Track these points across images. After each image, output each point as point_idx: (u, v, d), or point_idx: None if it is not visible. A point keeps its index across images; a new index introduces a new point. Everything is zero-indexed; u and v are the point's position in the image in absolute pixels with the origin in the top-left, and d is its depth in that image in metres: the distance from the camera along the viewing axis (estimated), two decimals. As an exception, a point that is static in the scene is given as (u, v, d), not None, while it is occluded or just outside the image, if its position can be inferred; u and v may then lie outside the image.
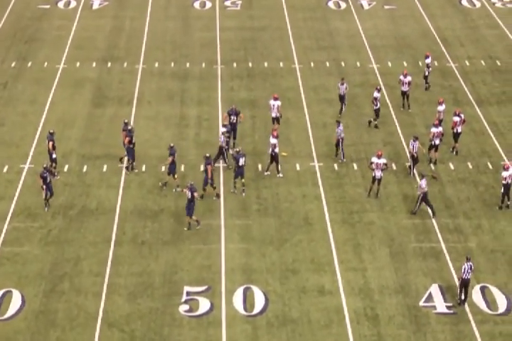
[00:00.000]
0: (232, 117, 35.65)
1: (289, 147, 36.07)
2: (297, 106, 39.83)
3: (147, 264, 29.04)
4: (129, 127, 34.13)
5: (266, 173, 34.19)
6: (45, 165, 31.67)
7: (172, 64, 44.28)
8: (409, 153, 34.06)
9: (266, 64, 44.41)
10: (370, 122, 38.06)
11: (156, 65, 44.12)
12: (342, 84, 37.85)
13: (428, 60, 41.12)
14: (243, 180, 32.89)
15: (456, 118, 35.58)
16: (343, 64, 44.52)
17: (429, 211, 31.69)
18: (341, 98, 38.35)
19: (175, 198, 32.79)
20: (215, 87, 41.75)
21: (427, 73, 41.12)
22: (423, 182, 31.32)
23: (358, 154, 36.18)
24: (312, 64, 44.41)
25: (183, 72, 43.40)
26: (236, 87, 41.88)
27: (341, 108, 38.47)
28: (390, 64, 44.07)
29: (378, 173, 32.57)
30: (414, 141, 33.80)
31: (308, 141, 37.18)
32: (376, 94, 37.45)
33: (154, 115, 38.93)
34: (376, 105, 37.48)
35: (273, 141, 33.66)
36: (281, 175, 34.23)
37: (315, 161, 35.53)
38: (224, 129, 34.50)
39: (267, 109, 39.02)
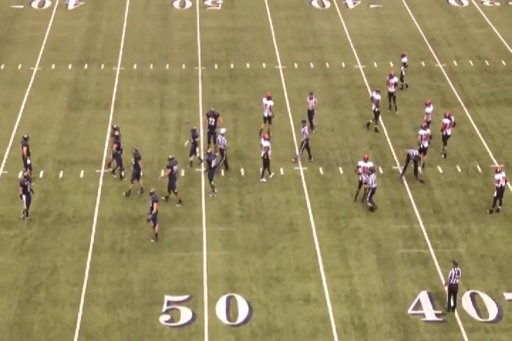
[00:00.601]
0: (210, 119, 35.69)
1: (272, 151, 36.07)
2: (281, 109, 39.86)
3: (126, 273, 28.92)
4: (117, 133, 34.04)
5: (262, 180, 34.15)
6: (26, 174, 31.31)
7: (151, 65, 44.28)
8: (407, 155, 33.92)
9: (248, 65, 44.42)
10: (368, 124, 37.97)
11: (135, 66, 44.10)
12: (311, 98, 36.93)
13: (404, 59, 41.22)
14: (212, 182, 33.09)
15: (446, 121, 35.67)
16: (327, 65, 44.61)
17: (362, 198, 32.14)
18: (309, 113, 37.40)
19: (155, 204, 32.75)
20: (196, 89, 41.74)
21: (403, 73, 41.22)
22: (372, 178, 31.68)
23: (344, 158, 36.26)
24: (296, 65, 44.48)
25: (163, 73, 43.40)
26: (217, 89, 41.90)
27: (311, 124, 37.27)
28: (375, 64, 44.21)
29: (365, 177, 32.64)
30: (419, 152, 34.19)
31: (292, 145, 37.18)
32: (377, 97, 37.30)
33: (133, 118, 38.85)
34: (378, 107, 37.35)
35: (265, 143, 33.73)
36: (264, 179, 34.21)
37: (299, 165, 35.59)
38: (224, 130, 34.61)
39: (249, 112, 38.98)
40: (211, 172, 32.66)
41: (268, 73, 43.61)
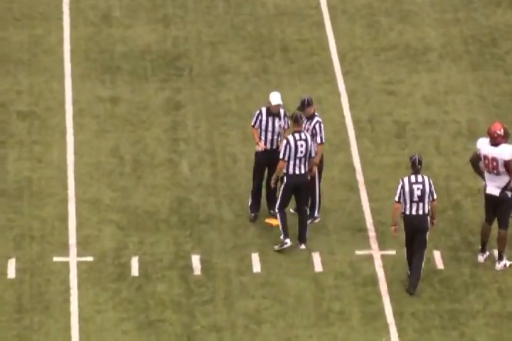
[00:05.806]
0: None
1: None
2: (330, 92, 36.66)
3: None
4: None
5: (482, 257, 31.55)
6: None
7: None
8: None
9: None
10: None
11: None
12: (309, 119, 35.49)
13: None
14: None
15: None
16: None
17: None
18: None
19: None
20: (57, 28, 38.48)
21: None
22: None
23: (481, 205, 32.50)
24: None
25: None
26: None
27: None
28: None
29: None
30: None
31: (354, 183, 32.19)
32: None
33: None
34: None
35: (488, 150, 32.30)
36: (506, 263, 31.38)
37: (375, 242, 30.89)
38: (283, 117, 34.16)
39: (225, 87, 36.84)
40: None
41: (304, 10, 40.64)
